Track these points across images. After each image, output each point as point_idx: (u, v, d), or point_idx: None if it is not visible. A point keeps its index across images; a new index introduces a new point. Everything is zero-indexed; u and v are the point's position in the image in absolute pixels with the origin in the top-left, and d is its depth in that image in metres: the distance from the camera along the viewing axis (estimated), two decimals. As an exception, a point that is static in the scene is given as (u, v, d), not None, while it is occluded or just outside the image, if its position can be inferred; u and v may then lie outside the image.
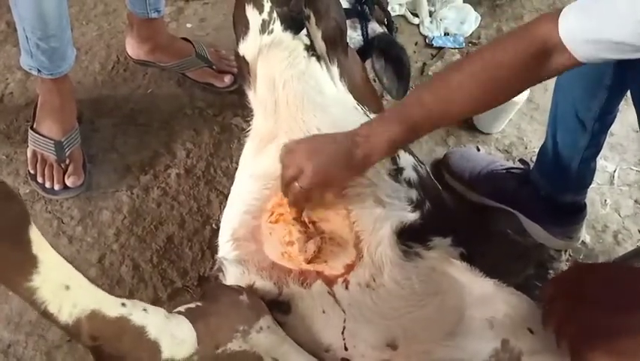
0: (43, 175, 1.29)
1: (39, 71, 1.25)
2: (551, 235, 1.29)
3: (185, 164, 1.39)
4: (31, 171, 1.31)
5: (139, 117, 1.46)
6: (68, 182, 1.29)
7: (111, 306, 0.64)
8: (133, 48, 1.52)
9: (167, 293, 1.20)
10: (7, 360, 1.10)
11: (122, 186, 1.34)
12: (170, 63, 1.51)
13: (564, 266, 1.31)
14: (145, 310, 0.68)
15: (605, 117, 1.11)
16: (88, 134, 1.40)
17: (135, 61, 1.54)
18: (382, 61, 1.45)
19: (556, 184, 1.23)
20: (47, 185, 1.29)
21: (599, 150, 1.18)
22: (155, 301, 1.18)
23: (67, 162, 1.30)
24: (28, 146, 1.34)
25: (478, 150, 1.50)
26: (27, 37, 1.19)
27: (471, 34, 1.74)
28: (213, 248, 1.25)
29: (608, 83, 1.03)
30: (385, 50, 1.45)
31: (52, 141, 1.30)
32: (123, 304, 0.65)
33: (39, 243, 0.59)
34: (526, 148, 1.50)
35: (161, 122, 1.46)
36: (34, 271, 0.58)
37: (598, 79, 1.03)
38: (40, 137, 1.31)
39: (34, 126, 1.34)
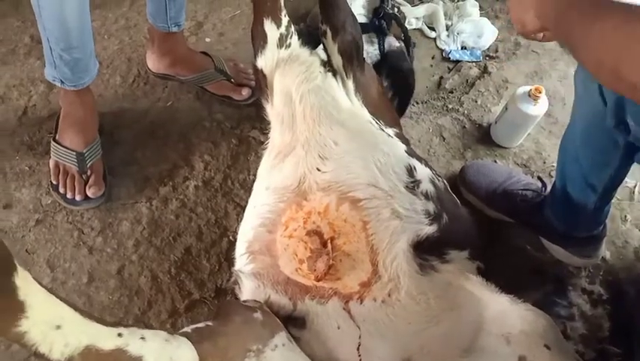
0: (64, 186, 1.32)
1: (62, 82, 1.28)
2: (570, 253, 1.27)
3: (203, 176, 1.40)
4: (54, 182, 1.34)
5: (158, 130, 1.48)
6: (89, 193, 1.31)
7: (106, 338, 0.65)
8: (153, 62, 1.55)
9: (184, 305, 1.21)
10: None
11: (142, 198, 1.36)
12: (189, 76, 1.53)
13: (584, 283, 1.29)
14: (143, 338, 0.68)
15: (617, 179, 1.07)
16: (108, 147, 1.42)
17: (155, 74, 1.57)
18: (389, 80, 1.46)
19: (570, 225, 1.22)
20: (69, 195, 1.31)
21: (613, 197, 1.15)
22: (173, 313, 1.19)
23: (89, 173, 1.32)
24: (50, 157, 1.36)
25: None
26: (51, 49, 1.21)
27: (488, 48, 1.73)
28: (230, 260, 1.26)
29: (618, 156, 0.99)
30: (395, 67, 1.46)
31: (74, 153, 1.33)
32: (120, 335, 0.66)
33: (26, 287, 0.60)
34: (544, 163, 1.49)
35: (180, 135, 1.48)
36: (23, 316, 0.59)
37: (607, 151, 0.99)
38: (63, 148, 1.34)
39: (57, 138, 1.37)
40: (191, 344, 0.72)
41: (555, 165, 1.47)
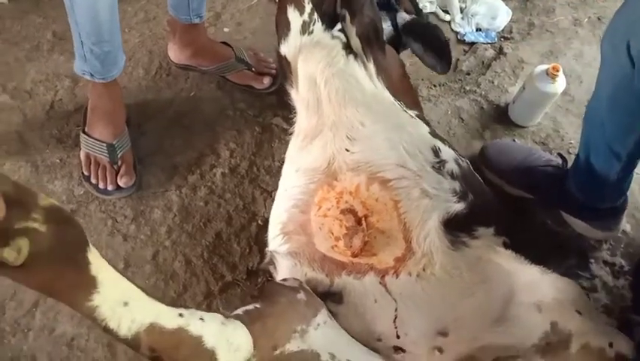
0: (96, 176, 1.36)
1: (92, 75, 1.31)
2: (591, 226, 1.30)
3: (230, 163, 1.44)
4: (85, 173, 1.38)
5: (183, 120, 1.52)
6: (121, 182, 1.35)
7: (169, 318, 0.67)
8: (175, 53, 1.58)
9: (218, 287, 1.25)
10: (71, 352, 1.16)
11: (171, 186, 1.39)
12: (210, 67, 1.56)
13: (605, 255, 1.32)
14: (202, 319, 0.70)
15: None
16: (136, 137, 1.45)
17: (177, 65, 1.60)
18: (419, 43, 1.46)
19: (592, 196, 1.24)
20: (101, 186, 1.35)
21: (636, 165, 1.16)
22: (208, 295, 1.24)
23: (120, 163, 1.36)
24: (80, 149, 1.40)
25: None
26: (82, 43, 1.24)
27: (503, 29, 1.75)
28: (260, 243, 1.30)
29: None
30: (420, 32, 1.47)
31: (105, 144, 1.37)
32: (181, 315, 0.68)
33: (97, 264, 0.62)
34: (562, 140, 1.51)
35: (205, 124, 1.51)
36: (94, 291, 0.61)
37: (634, 114, 1.00)
38: (93, 140, 1.38)
39: (86, 130, 1.40)
40: (245, 328, 0.74)
41: (573, 142, 1.50)
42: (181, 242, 1.31)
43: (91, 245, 0.62)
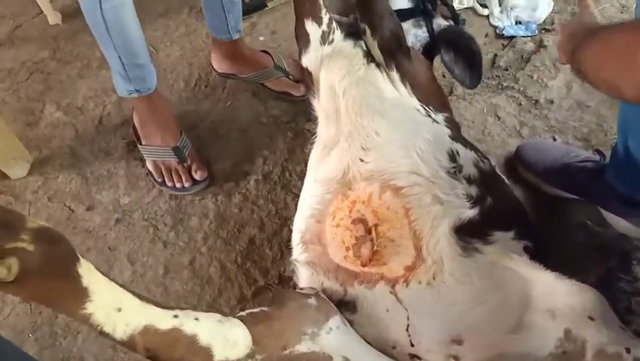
0: (172, 179, 1.44)
1: (138, 91, 1.38)
2: (633, 224, 1.24)
3: (263, 170, 1.48)
4: (158, 179, 1.45)
5: (220, 129, 1.58)
6: (197, 176, 1.43)
7: (163, 319, 0.71)
8: (218, 63, 1.64)
9: (251, 291, 1.29)
10: (115, 354, 1.24)
11: (208, 194, 1.46)
12: (250, 75, 1.61)
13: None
14: (197, 318, 0.74)
15: None
16: (176, 148, 1.53)
17: (219, 74, 1.66)
18: (451, 53, 1.44)
19: (632, 186, 1.18)
20: (178, 185, 1.44)
21: None
22: (242, 299, 1.28)
23: (189, 161, 1.44)
24: (145, 161, 1.48)
25: (555, 140, 1.47)
26: (123, 65, 1.32)
27: (544, 21, 1.69)
28: (291, 249, 1.33)
29: None
30: (453, 41, 1.44)
31: (169, 148, 1.44)
32: (175, 316, 0.72)
33: (88, 275, 0.67)
34: (606, 135, 1.44)
35: (240, 132, 1.56)
36: (87, 300, 0.66)
37: None
38: (157, 147, 1.45)
39: (145, 142, 1.48)
40: (244, 325, 0.77)
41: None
42: (216, 248, 1.36)
43: (82, 259, 0.67)
